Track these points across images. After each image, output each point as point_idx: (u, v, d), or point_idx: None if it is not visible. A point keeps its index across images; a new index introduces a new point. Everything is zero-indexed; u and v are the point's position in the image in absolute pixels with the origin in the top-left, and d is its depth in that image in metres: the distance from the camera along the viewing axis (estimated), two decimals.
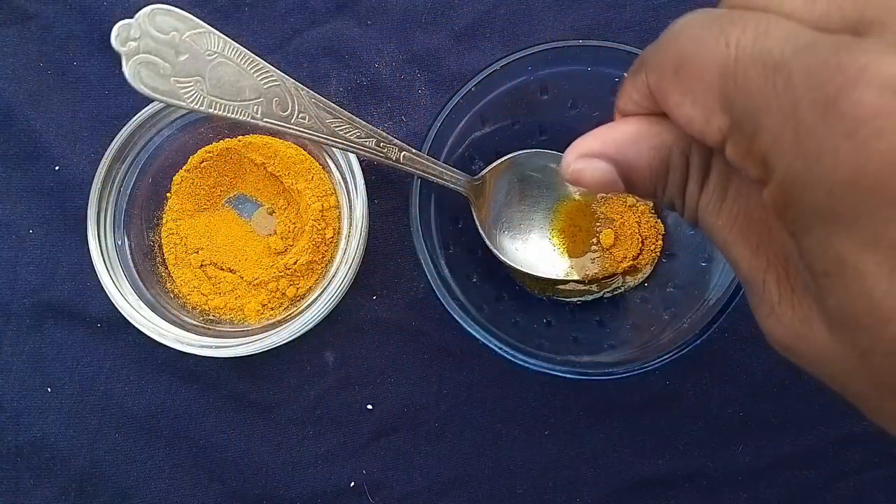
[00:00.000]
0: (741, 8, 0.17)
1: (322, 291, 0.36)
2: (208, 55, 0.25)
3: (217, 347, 0.35)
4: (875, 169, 0.13)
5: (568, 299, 0.38)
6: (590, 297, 0.37)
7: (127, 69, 0.23)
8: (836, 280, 0.15)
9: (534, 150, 0.36)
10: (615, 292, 0.37)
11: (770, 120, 0.15)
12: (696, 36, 0.17)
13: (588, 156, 0.21)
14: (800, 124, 0.14)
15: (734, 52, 0.15)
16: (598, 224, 0.37)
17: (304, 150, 0.38)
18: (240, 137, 0.39)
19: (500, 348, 0.31)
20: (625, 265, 0.37)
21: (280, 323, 0.36)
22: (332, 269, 0.37)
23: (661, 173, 0.20)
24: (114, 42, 0.23)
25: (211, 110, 0.25)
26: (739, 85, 0.15)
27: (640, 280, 0.37)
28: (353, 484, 0.37)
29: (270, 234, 0.39)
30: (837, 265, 0.15)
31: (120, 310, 0.35)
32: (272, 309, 0.38)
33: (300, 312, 0.36)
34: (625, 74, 0.34)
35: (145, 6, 0.24)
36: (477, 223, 0.35)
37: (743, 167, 0.16)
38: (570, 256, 0.37)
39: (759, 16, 0.16)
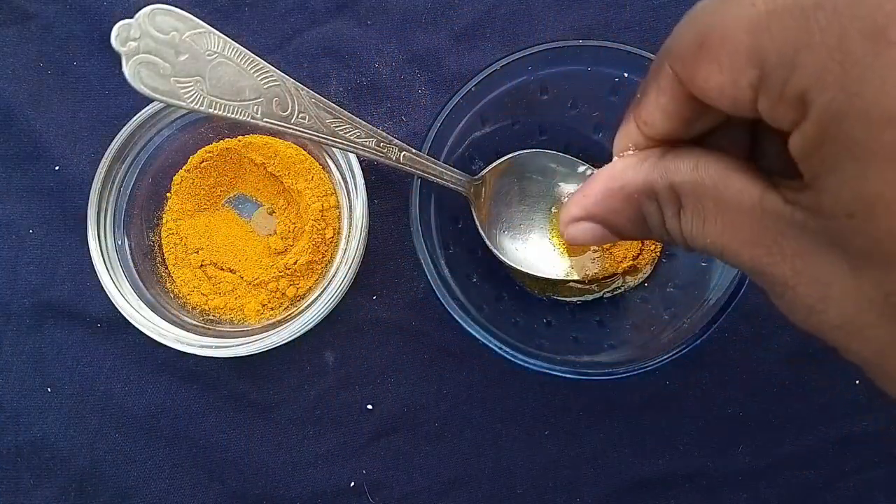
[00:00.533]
0: None
1: (322, 291, 0.36)
2: (208, 55, 0.25)
3: (217, 347, 0.35)
4: None
5: (568, 299, 0.38)
6: (590, 297, 0.37)
7: (127, 69, 0.23)
8: (863, 219, 0.15)
9: (534, 150, 0.36)
10: (615, 292, 0.37)
11: (810, 57, 0.15)
12: (714, 9, 0.17)
13: (574, 221, 0.23)
14: (846, 56, 0.14)
15: (763, 7, 0.15)
16: None
17: (304, 150, 0.38)
18: (240, 137, 0.39)
19: (500, 348, 0.31)
20: (625, 265, 0.37)
21: (280, 323, 0.36)
22: (332, 269, 0.37)
23: (639, 220, 0.21)
24: (114, 42, 0.23)
25: (211, 110, 0.25)
26: (775, 34, 0.15)
27: (640, 280, 0.37)
28: (353, 484, 0.37)
29: (270, 234, 0.39)
30: (866, 203, 0.14)
31: (120, 310, 0.35)
32: (272, 309, 0.38)
33: (300, 312, 0.36)
34: (625, 74, 0.34)
35: (145, 6, 0.24)
36: (477, 223, 0.35)
37: (775, 116, 0.16)
38: (569, 256, 0.37)
39: None
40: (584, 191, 0.22)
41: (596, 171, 0.22)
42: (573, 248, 0.37)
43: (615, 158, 0.22)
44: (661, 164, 0.20)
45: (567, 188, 0.37)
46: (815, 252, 0.16)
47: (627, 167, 0.21)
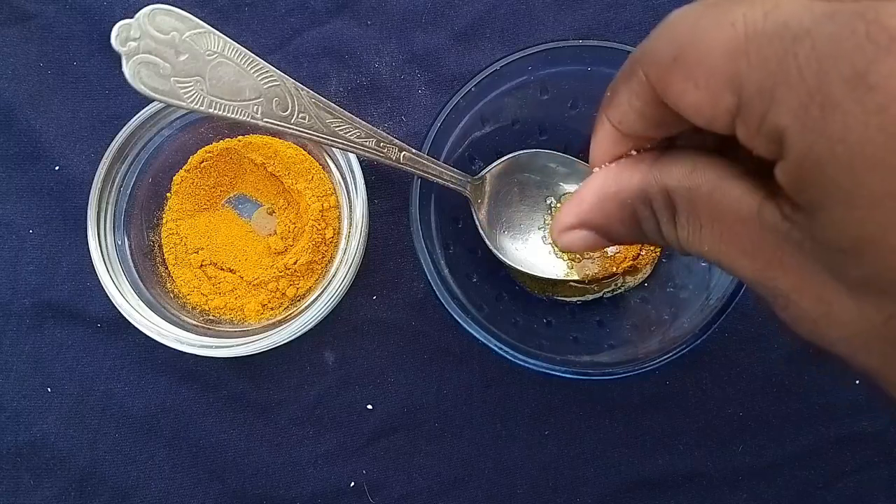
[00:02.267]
0: None
1: (322, 291, 0.36)
2: (208, 55, 0.25)
3: (217, 347, 0.35)
4: None
5: (568, 299, 0.38)
6: (590, 297, 0.37)
7: (127, 69, 0.23)
8: (854, 256, 0.14)
9: (534, 150, 0.36)
10: (615, 292, 0.37)
11: (787, 94, 0.14)
12: (693, 22, 0.16)
13: (567, 229, 0.22)
14: (826, 98, 0.13)
15: (743, 29, 0.15)
16: None
17: (304, 150, 0.38)
18: (240, 137, 0.39)
19: (500, 348, 0.31)
20: (625, 265, 0.37)
21: (280, 323, 0.36)
22: (332, 269, 0.37)
23: (634, 225, 0.20)
24: (114, 42, 0.23)
25: (211, 110, 0.25)
26: (753, 62, 0.15)
27: (640, 280, 0.37)
28: (353, 484, 0.37)
29: (270, 234, 0.39)
30: (856, 244, 0.14)
31: (120, 310, 0.35)
32: (272, 309, 0.38)
33: (300, 312, 0.36)
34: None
35: (145, 6, 0.24)
36: (477, 223, 0.35)
37: (753, 145, 0.16)
38: (569, 256, 0.37)
39: None
40: (577, 198, 0.22)
41: (587, 176, 0.22)
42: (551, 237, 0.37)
43: (595, 168, 0.22)
44: (656, 168, 0.20)
45: (567, 188, 0.37)
46: (813, 271, 0.16)
47: (621, 171, 0.21)
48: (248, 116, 0.26)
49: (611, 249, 0.36)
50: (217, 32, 0.25)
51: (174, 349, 0.35)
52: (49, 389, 0.38)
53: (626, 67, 0.19)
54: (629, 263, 0.36)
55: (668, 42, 0.17)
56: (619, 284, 0.37)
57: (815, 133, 0.14)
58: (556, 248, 0.37)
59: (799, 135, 0.14)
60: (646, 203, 0.20)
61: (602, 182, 0.21)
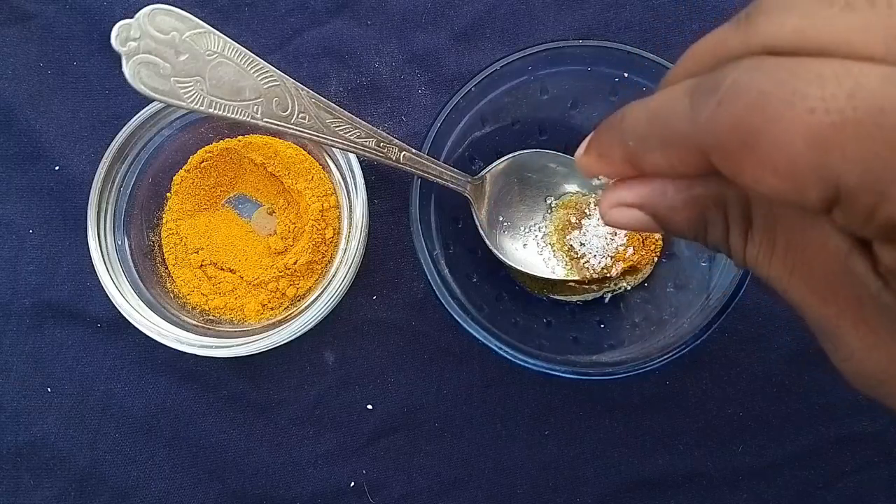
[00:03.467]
0: (787, 53, 0.14)
1: (322, 291, 0.36)
2: (208, 55, 0.25)
3: (217, 347, 0.35)
4: None
5: (568, 299, 0.38)
6: (590, 297, 0.37)
7: (127, 69, 0.23)
8: None
9: (534, 150, 0.36)
10: (615, 292, 0.37)
11: None
12: (758, 103, 0.14)
13: (623, 205, 0.20)
14: None
15: (826, 118, 0.13)
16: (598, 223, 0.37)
17: (304, 150, 0.38)
18: (240, 137, 0.39)
19: (500, 348, 0.31)
20: (625, 265, 0.37)
21: (280, 323, 0.36)
22: (332, 269, 0.37)
23: (698, 225, 0.19)
24: (114, 42, 0.23)
25: (211, 110, 0.25)
26: (850, 156, 0.13)
27: (640, 280, 0.37)
28: (353, 484, 0.37)
29: (270, 234, 0.39)
30: None
31: (120, 310, 0.35)
32: (272, 309, 0.38)
33: (300, 312, 0.36)
34: (625, 74, 0.34)
35: (145, 6, 0.24)
36: (477, 223, 0.35)
37: (858, 231, 0.14)
38: (569, 257, 0.37)
39: (826, 65, 0.13)
40: (643, 178, 0.19)
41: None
42: (573, 249, 0.37)
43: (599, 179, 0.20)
44: None
45: (567, 188, 0.37)
46: (894, 334, 0.15)
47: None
48: (248, 116, 0.26)
49: (610, 250, 0.36)
50: (217, 32, 0.25)
51: (174, 349, 0.35)
52: (49, 389, 0.38)
53: (666, 134, 0.17)
54: (629, 263, 0.37)
55: (732, 124, 0.14)
56: (619, 284, 0.37)
57: None
58: (558, 246, 0.37)
59: None
60: (720, 208, 0.18)
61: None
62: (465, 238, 0.36)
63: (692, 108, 0.15)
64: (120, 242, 0.37)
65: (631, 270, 0.37)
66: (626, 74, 0.34)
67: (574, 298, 0.38)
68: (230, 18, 0.41)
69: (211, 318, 0.38)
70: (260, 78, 0.27)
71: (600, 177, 0.21)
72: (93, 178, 0.36)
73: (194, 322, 0.37)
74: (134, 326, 0.35)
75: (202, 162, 0.38)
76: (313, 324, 0.35)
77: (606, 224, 0.21)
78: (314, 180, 0.38)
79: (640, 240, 0.37)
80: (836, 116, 0.13)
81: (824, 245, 0.16)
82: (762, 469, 0.36)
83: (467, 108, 0.34)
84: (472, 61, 0.40)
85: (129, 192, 0.37)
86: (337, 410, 0.38)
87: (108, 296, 0.35)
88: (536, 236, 0.37)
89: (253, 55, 0.26)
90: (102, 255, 0.36)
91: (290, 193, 0.38)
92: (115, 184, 0.37)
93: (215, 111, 0.26)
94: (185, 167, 0.38)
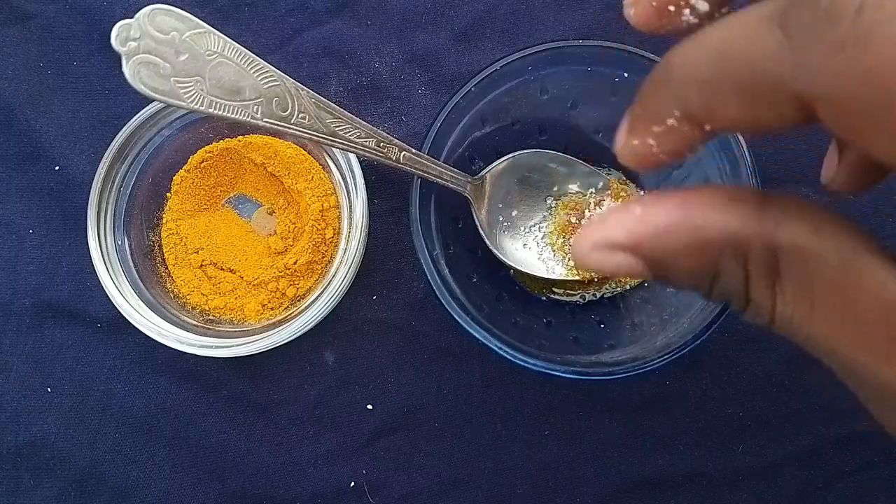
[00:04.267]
0: None
1: (322, 291, 0.36)
2: (208, 55, 0.25)
3: (217, 347, 0.35)
4: None
5: (568, 299, 0.38)
6: (590, 297, 0.37)
7: (127, 69, 0.23)
8: None
9: (534, 150, 0.36)
10: (615, 292, 0.37)
11: None
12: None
13: (608, 246, 0.16)
14: None
15: None
16: None
17: (304, 150, 0.38)
18: (240, 137, 0.39)
19: (500, 348, 0.31)
20: None
21: (280, 323, 0.36)
22: (332, 269, 0.37)
23: (704, 276, 0.16)
24: (114, 42, 0.23)
25: (211, 110, 0.25)
26: None
27: (640, 280, 0.37)
28: (353, 484, 0.37)
29: (270, 234, 0.39)
30: None
31: (120, 310, 0.35)
32: (272, 309, 0.38)
33: (300, 312, 0.36)
34: (625, 74, 0.34)
35: (145, 6, 0.24)
36: (477, 223, 0.35)
37: None
38: (569, 256, 0.37)
39: None
40: (633, 213, 0.16)
41: (641, 194, 0.17)
42: (573, 248, 0.37)
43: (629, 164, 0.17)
44: (764, 215, 0.15)
45: (567, 188, 0.37)
46: None
47: (713, 204, 0.15)
48: (248, 116, 0.26)
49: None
50: (217, 32, 0.25)
51: (174, 349, 0.35)
52: (49, 389, 0.38)
53: (747, 77, 0.13)
54: None
55: (864, 75, 0.12)
56: (619, 284, 0.37)
57: None
58: (558, 246, 0.37)
59: None
60: (738, 254, 0.15)
61: (681, 208, 0.16)
62: (465, 238, 0.36)
63: (790, 45, 0.12)
64: (120, 242, 0.37)
65: None
66: (626, 74, 0.34)
67: (574, 298, 0.38)
68: (230, 18, 0.41)
69: (211, 318, 0.38)
70: (260, 78, 0.27)
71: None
72: (93, 178, 0.36)
73: (194, 322, 0.37)
74: (134, 326, 0.35)
75: (202, 162, 0.38)
76: (313, 324, 0.35)
77: (579, 267, 0.17)
78: (314, 180, 0.38)
79: None
80: None
81: (882, 296, 0.13)
82: (762, 469, 0.36)
83: (467, 108, 0.34)
84: (472, 61, 0.40)
85: (129, 192, 0.37)
86: (337, 410, 0.38)
87: (108, 296, 0.35)
88: (536, 236, 0.37)
89: (253, 55, 0.26)
90: (102, 255, 0.36)
91: (290, 193, 0.38)
92: (115, 184, 0.37)
93: (215, 111, 0.26)
94: (185, 167, 0.38)
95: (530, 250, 0.37)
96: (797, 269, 0.14)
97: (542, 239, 0.37)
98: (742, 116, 0.14)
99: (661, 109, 0.15)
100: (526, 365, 0.30)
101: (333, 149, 0.35)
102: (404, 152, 0.31)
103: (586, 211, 0.37)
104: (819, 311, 0.14)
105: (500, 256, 0.36)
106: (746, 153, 0.31)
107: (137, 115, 0.36)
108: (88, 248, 0.36)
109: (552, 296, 0.38)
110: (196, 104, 0.25)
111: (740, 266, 0.15)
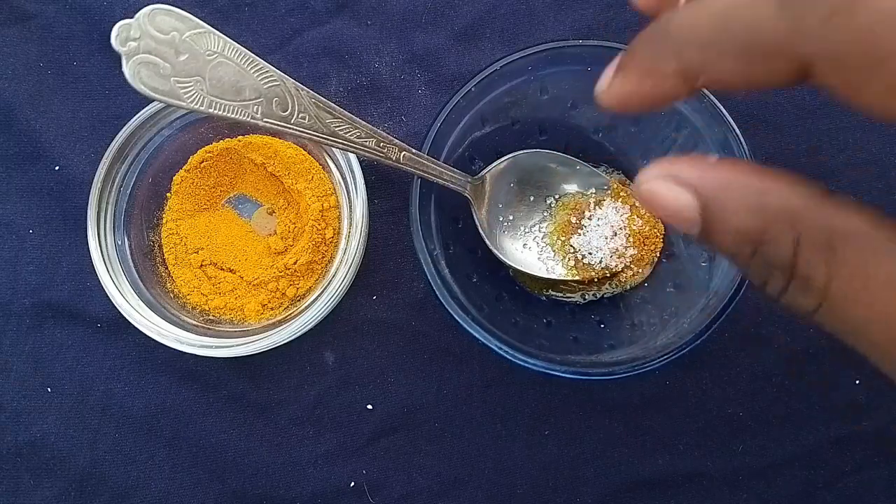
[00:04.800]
0: None
1: (322, 291, 0.36)
2: (208, 55, 0.25)
3: (217, 347, 0.35)
4: None
5: (568, 299, 0.38)
6: (590, 297, 0.37)
7: (127, 69, 0.23)
8: None
9: (534, 150, 0.36)
10: (615, 292, 0.37)
11: None
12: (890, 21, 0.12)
13: (672, 180, 0.17)
14: None
15: None
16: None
17: (304, 150, 0.38)
18: (240, 137, 0.39)
19: (500, 348, 0.31)
20: (625, 265, 0.37)
21: (280, 323, 0.36)
22: (332, 269, 0.37)
23: (749, 240, 0.16)
24: (114, 42, 0.23)
25: (211, 110, 0.25)
26: None
27: (640, 280, 0.37)
28: (353, 484, 0.37)
29: (270, 234, 0.39)
30: None
31: (120, 310, 0.35)
32: (272, 309, 0.38)
33: (300, 312, 0.36)
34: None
35: (145, 6, 0.24)
36: (477, 223, 0.35)
37: None
38: (569, 257, 0.37)
39: None
40: (711, 159, 0.17)
41: None
42: (573, 249, 0.37)
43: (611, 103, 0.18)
44: (825, 202, 0.15)
45: (567, 188, 0.37)
46: None
47: (780, 178, 0.16)
48: (248, 116, 0.26)
49: (611, 250, 0.36)
50: (217, 32, 0.25)
51: (174, 349, 0.35)
52: (49, 389, 0.38)
53: (747, 39, 0.15)
54: (629, 263, 0.36)
55: (854, 38, 0.13)
56: (619, 284, 0.37)
57: None
58: (557, 246, 0.37)
59: None
60: (792, 228, 0.15)
61: (752, 172, 0.16)
62: (465, 238, 0.36)
63: (787, 11, 0.13)
64: (120, 242, 0.37)
65: (631, 270, 0.37)
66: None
67: (574, 298, 0.38)
68: (230, 18, 0.41)
69: (211, 318, 0.38)
70: (260, 78, 0.27)
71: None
72: (93, 178, 0.36)
73: (194, 322, 0.37)
74: (134, 326, 0.35)
75: (202, 162, 0.38)
76: (313, 324, 0.35)
77: (639, 195, 0.17)
78: (314, 180, 0.38)
79: (641, 240, 0.37)
80: None
81: None
82: (762, 469, 0.36)
83: (467, 108, 0.34)
84: (472, 61, 0.40)
85: (129, 192, 0.37)
86: (337, 410, 0.38)
87: (108, 296, 0.35)
88: (536, 236, 0.37)
89: (253, 55, 0.26)
90: (102, 255, 0.36)
91: (290, 193, 0.38)
92: (115, 184, 0.37)
93: (215, 111, 0.26)
94: (185, 167, 0.38)
95: (530, 250, 0.37)
96: (854, 254, 0.15)
97: (542, 239, 0.37)
98: (738, 75, 0.15)
99: (656, 62, 0.17)
100: (526, 365, 0.30)
101: (333, 149, 0.35)
102: (404, 152, 0.31)
103: (586, 211, 0.37)
104: (877, 295, 0.15)
105: (500, 256, 0.36)
106: (747, 154, 0.31)
107: (137, 115, 0.36)
108: (88, 248, 0.36)
109: (552, 296, 0.38)
110: (196, 104, 0.25)
111: (791, 240, 0.15)
